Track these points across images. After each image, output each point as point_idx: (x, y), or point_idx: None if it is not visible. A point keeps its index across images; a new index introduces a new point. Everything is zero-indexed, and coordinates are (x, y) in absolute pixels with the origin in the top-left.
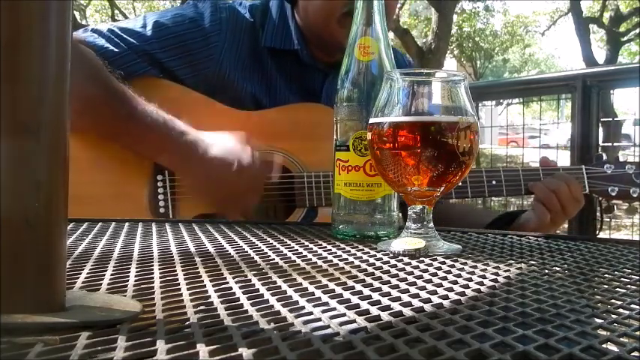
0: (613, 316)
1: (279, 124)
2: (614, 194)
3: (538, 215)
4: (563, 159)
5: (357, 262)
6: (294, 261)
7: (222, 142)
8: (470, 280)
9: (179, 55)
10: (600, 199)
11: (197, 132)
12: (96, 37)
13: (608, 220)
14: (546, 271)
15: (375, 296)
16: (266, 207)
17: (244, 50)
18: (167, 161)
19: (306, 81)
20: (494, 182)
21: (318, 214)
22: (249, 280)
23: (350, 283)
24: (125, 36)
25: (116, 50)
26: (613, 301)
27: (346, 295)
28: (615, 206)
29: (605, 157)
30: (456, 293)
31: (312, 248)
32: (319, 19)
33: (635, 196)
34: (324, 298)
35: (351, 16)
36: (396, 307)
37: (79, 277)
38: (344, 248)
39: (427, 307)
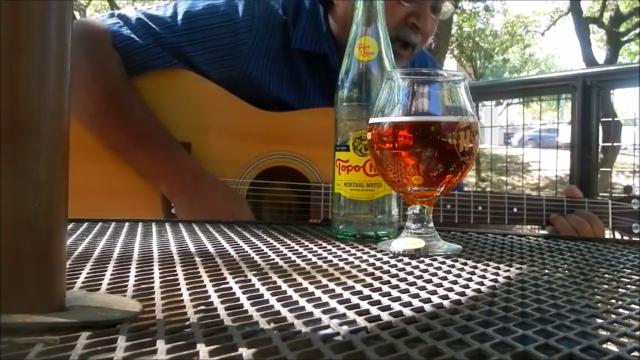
0: (613, 316)
1: (300, 127)
2: (637, 232)
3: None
4: (564, 159)
5: (357, 262)
6: (294, 261)
7: (219, 190)
8: (470, 280)
9: (206, 50)
10: (622, 235)
11: (200, 171)
12: (121, 26)
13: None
14: (546, 271)
15: (375, 296)
16: (279, 215)
17: (274, 49)
18: (165, 190)
19: (334, 86)
20: (515, 210)
21: None
22: (249, 280)
23: (350, 283)
24: (153, 26)
25: (141, 42)
26: (613, 301)
27: (346, 295)
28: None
29: (633, 189)
30: (456, 293)
31: (312, 248)
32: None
33: None
34: (324, 298)
35: (400, 42)
36: (396, 307)
37: (79, 277)
38: (344, 248)
39: (427, 307)
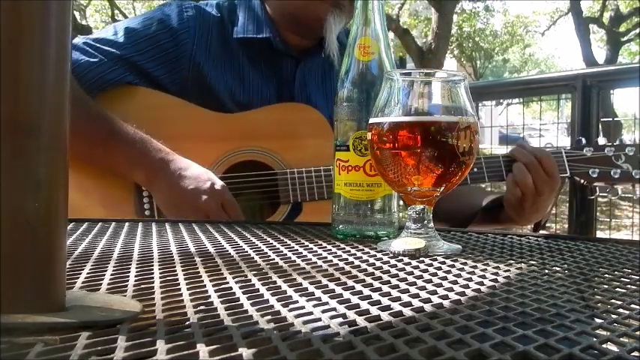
0: (613, 316)
1: (261, 124)
2: (595, 176)
3: (510, 191)
4: None
5: (357, 262)
6: (294, 261)
7: (195, 167)
8: (470, 280)
9: (153, 57)
10: (582, 181)
11: (172, 153)
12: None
13: (608, 220)
14: (546, 271)
15: (375, 296)
16: (251, 205)
17: (214, 45)
18: (140, 179)
19: (278, 69)
20: (475, 170)
21: (303, 210)
22: (249, 280)
23: (350, 283)
24: (99, 45)
25: (92, 60)
26: (613, 301)
27: (346, 295)
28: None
29: (584, 141)
30: (456, 293)
31: (312, 248)
32: (299, 18)
33: (616, 177)
34: (324, 297)
35: None
36: (396, 307)
37: (79, 277)
38: (344, 248)
39: (427, 307)
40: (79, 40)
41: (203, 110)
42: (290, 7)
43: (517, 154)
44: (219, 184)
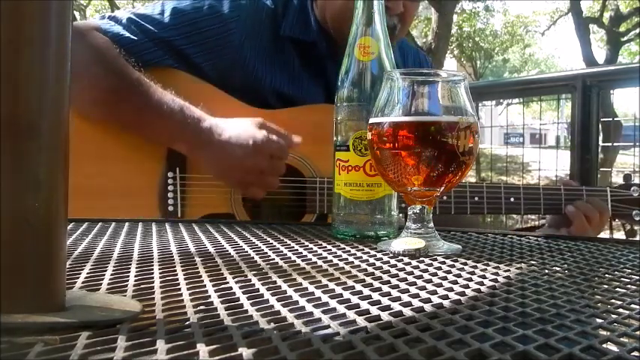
0: (613, 315)
1: (295, 125)
2: (638, 219)
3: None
4: (564, 159)
5: (357, 262)
6: (294, 261)
7: (238, 125)
8: (470, 280)
9: (197, 42)
10: (624, 222)
11: (213, 118)
12: (112, 25)
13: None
14: (546, 271)
15: (375, 296)
16: (277, 211)
17: (265, 38)
18: (184, 148)
19: (325, 72)
20: (512, 199)
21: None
22: (249, 280)
23: (350, 283)
24: (143, 23)
25: (133, 38)
26: (613, 301)
27: (346, 295)
28: (637, 231)
29: (632, 178)
30: (456, 293)
31: (312, 248)
32: (337, 19)
33: None
34: (324, 298)
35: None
36: (396, 307)
37: (79, 277)
38: (344, 248)
39: (427, 307)
40: (121, 13)
41: (239, 103)
42: (330, 10)
43: (580, 208)
44: (259, 137)
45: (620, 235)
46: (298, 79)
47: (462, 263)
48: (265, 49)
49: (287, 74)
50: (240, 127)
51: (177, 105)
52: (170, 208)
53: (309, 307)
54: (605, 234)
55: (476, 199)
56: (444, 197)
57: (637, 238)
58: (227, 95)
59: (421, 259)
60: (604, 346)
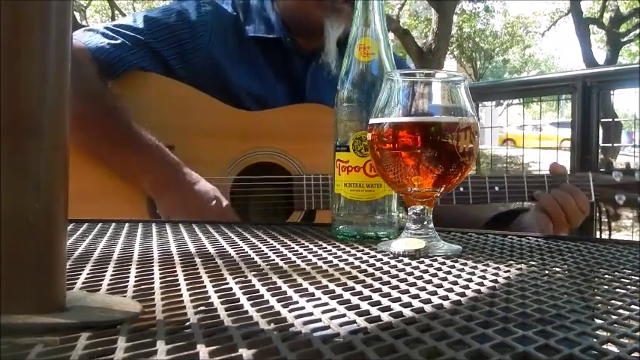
0: (613, 316)
1: (279, 124)
2: (621, 202)
3: (540, 225)
4: (563, 159)
5: (357, 263)
6: (294, 262)
7: (202, 184)
8: (470, 280)
9: (171, 45)
10: (605, 208)
11: (182, 166)
12: (91, 36)
13: (610, 226)
14: (546, 271)
15: (375, 297)
16: (264, 209)
17: (230, 42)
18: (147, 186)
19: (291, 68)
20: (496, 189)
21: (317, 218)
22: (250, 281)
23: (350, 283)
24: (120, 29)
25: (113, 42)
26: (613, 301)
27: (346, 295)
28: (621, 215)
29: (614, 164)
30: (456, 294)
31: (312, 249)
32: (293, 22)
33: None
34: (324, 298)
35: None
36: (396, 307)
37: (79, 278)
38: (344, 249)
39: (427, 307)
40: (98, 26)
41: (222, 105)
42: (289, 9)
43: (554, 195)
44: (224, 203)
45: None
46: (265, 77)
47: (462, 264)
48: (231, 53)
49: (254, 73)
50: (205, 186)
51: (149, 143)
52: (158, 210)
53: (309, 308)
54: (605, 234)
55: (461, 189)
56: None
57: (626, 239)
58: (210, 97)
59: (421, 259)
60: (604, 346)
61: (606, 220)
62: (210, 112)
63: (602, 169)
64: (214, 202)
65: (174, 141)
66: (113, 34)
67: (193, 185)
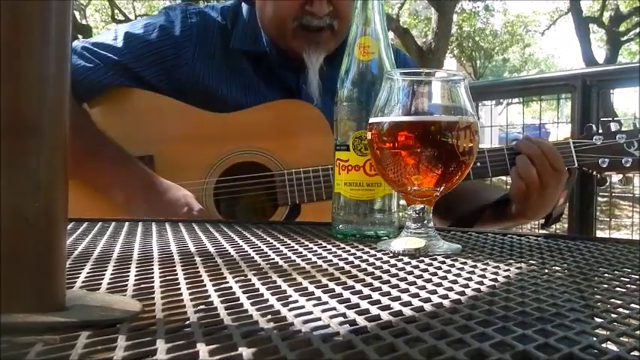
0: (612, 315)
1: (256, 123)
2: (604, 166)
3: (515, 184)
4: None
5: (357, 262)
6: (294, 260)
7: (173, 192)
8: (470, 279)
9: (152, 64)
10: (592, 171)
11: (153, 176)
12: None
13: (608, 219)
14: (546, 270)
15: (375, 296)
16: (249, 208)
17: (218, 54)
18: (119, 199)
19: (282, 79)
20: (478, 164)
21: (302, 211)
22: (249, 280)
23: (350, 282)
24: (97, 50)
25: (89, 65)
26: (613, 300)
27: (346, 294)
28: (606, 178)
29: (594, 128)
30: (456, 293)
31: (312, 248)
32: (273, 31)
33: (627, 166)
34: (324, 297)
35: (306, 29)
36: (396, 306)
37: (79, 277)
38: (344, 248)
39: (427, 306)
40: (77, 43)
41: (199, 111)
42: (264, 21)
43: (522, 146)
44: (196, 208)
45: (619, 235)
46: (254, 89)
47: (461, 263)
48: (218, 65)
49: (242, 86)
50: (177, 193)
51: (119, 156)
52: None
53: (308, 307)
54: (605, 234)
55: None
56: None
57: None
58: (187, 105)
59: (421, 258)
60: (603, 345)
61: (596, 184)
62: (187, 119)
63: (583, 135)
64: (185, 209)
65: (153, 151)
66: (89, 55)
67: (163, 195)
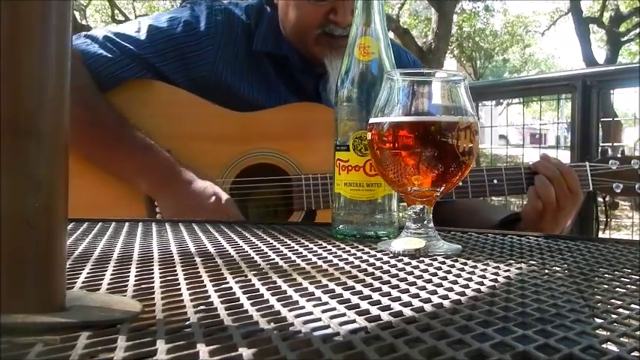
0: (613, 316)
1: (275, 124)
2: (618, 191)
3: (531, 204)
4: (564, 159)
5: (357, 262)
6: (294, 261)
7: (200, 181)
8: (470, 280)
9: (173, 59)
10: (605, 196)
11: (179, 165)
12: (89, 44)
13: (608, 220)
14: (546, 271)
15: (375, 296)
16: (263, 211)
17: (241, 53)
18: (146, 188)
19: (302, 83)
20: (495, 181)
21: (316, 218)
22: (249, 280)
23: (350, 283)
24: (119, 40)
25: (110, 56)
26: (613, 301)
27: (346, 295)
28: (619, 203)
29: (610, 152)
30: (456, 293)
31: (312, 248)
32: (295, 37)
33: None
34: (324, 298)
35: (329, 35)
36: (396, 307)
37: (79, 277)
38: (344, 248)
39: (427, 307)
40: (98, 32)
41: (218, 108)
42: (287, 27)
43: (540, 167)
44: (224, 198)
45: (619, 235)
46: (275, 91)
47: (461, 263)
48: (241, 64)
49: (264, 87)
50: (203, 182)
51: (146, 144)
52: (158, 217)
53: (309, 307)
54: (605, 234)
55: (460, 183)
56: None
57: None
58: (208, 102)
59: (421, 259)
60: (604, 346)
61: (602, 209)
62: (206, 116)
63: (598, 159)
64: (213, 198)
65: (170, 146)
66: (111, 46)
67: (190, 184)
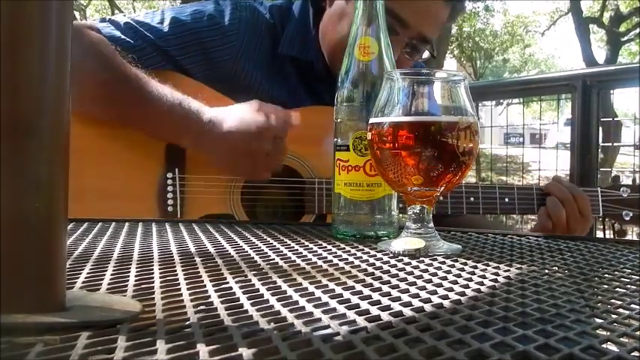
0: (613, 316)
1: (294, 126)
2: (627, 219)
3: (541, 224)
4: (564, 159)
5: (357, 262)
6: (294, 261)
7: (237, 112)
8: (470, 280)
9: (194, 53)
10: (613, 223)
11: (211, 109)
12: (112, 29)
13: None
14: (546, 271)
15: (375, 296)
16: (276, 212)
17: (264, 52)
18: (186, 142)
19: (321, 89)
20: (506, 200)
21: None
22: (250, 280)
23: (350, 283)
24: (142, 29)
25: (132, 42)
26: (613, 301)
27: (346, 295)
28: (627, 230)
29: (622, 179)
30: (456, 293)
31: (312, 248)
32: (338, 46)
33: None
34: (324, 298)
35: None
36: (396, 307)
37: (79, 277)
38: (344, 248)
39: (427, 307)
40: (121, 18)
41: (233, 104)
42: (327, 40)
43: (553, 188)
44: (260, 120)
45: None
46: (296, 94)
47: (462, 263)
48: (263, 63)
49: (286, 89)
50: (239, 113)
51: (176, 99)
52: (169, 209)
53: (309, 307)
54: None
55: (471, 199)
56: (441, 198)
57: (627, 238)
58: (226, 97)
59: (421, 259)
60: (604, 346)
61: (612, 235)
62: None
63: (609, 185)
64: (254, 127)
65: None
66: (133, 34)
67: (228, 121)
